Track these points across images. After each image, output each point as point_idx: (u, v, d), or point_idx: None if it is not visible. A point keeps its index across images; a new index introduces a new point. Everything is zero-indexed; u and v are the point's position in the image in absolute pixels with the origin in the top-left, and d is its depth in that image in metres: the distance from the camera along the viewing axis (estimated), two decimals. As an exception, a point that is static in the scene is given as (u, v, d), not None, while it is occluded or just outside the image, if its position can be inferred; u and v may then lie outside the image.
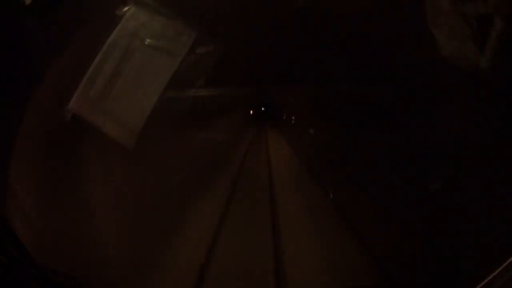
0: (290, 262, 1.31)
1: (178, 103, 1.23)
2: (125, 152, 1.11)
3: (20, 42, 1.02)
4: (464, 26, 0.98)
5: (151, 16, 1.12)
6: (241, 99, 1.54)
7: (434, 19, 1.02)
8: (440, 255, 1.03)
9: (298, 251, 1.37)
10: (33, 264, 0.82)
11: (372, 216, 1.39)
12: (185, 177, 1.45)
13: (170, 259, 1.23)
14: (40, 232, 0.98)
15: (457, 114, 1.07)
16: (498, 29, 0.92)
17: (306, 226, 1.50)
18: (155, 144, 1.28)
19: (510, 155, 0.90)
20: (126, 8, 1.11)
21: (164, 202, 1.32)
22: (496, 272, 0.68)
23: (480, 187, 0.96)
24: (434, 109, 1.15)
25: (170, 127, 1.34)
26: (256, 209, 1.57)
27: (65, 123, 1.08)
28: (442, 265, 1.00)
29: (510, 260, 0.67)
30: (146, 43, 1.11)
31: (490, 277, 0.68)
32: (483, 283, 0.68)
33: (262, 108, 1.73)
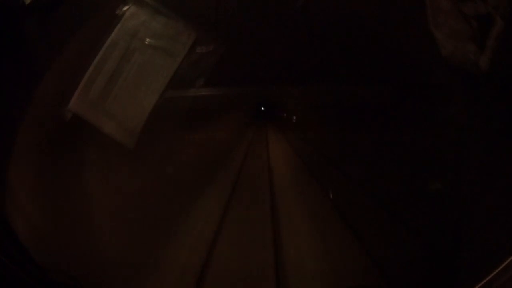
0: (290, 262, 1.31)
1: (178, 103, 1.23)
2: (125, 152, 1.11)
3: (20, 42, 1.02)
4: (464, 26, 0.98)
5: (151, 15, 1.12)
6: (241, 99, 1.54)
7: (434, 19, 1.02)
8: (440, 255, 1.03)
9: (298, 251, 1.37)
10: (33, 264, 0.82)
11: (372, 216, 1.39)
12: (184, 176, 1.45)
13: (170, 259, 1.23)
14: (40, 232, 0.98)
15: (457, 114, 1.07)
16: (498, 29, 0.92)
17: (306, 226, 1.50)
18: (155, 144, 1.28)
19: (510, 155, 0.90)
20: (126, 8, 1.11)
21: (164, 202, 1.32)
22: (496, 272, 0.68)
23: (480, 187, 0.96)
24: (434, 109, 1.15)
25: (170, 127, 1.34)
26: (256, 209, 1.57)
27: (65, 123, 1.08)
28: (442, 265, 1.00)
29: (510, 260, 0.67)
30: (146, 42, 1.11)
31: (490, 277, 0.68)
32: (483, 283, 0.68)
33: (262, 108, 1.73)
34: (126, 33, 1.10)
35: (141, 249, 1.17)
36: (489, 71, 0.95)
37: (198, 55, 1.16)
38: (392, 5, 1.19)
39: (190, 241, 1.33)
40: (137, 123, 1.10)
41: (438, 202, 1.10)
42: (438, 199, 1.10)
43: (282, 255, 1.34)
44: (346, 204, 1.55)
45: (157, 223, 1.26)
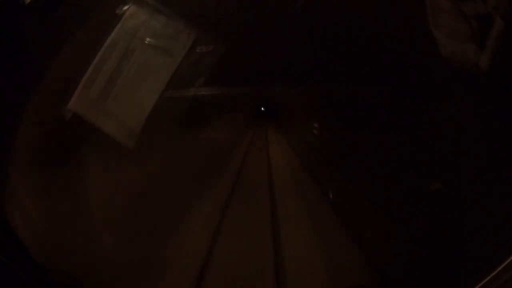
0: (289, 262, 1.31)
1: (178, 102, 1.23)
2: (125, 151, 1.11)
3: (20, 42, 1.02)
4: (464, 26, 0.98)
5: (151, 15, 1.12)
6: (241, 99, 1.54)
7: (434, 19, 1.02)
8: (440, 255, 1.03)
9: (298, 251, 1.37)
10: (33, 264, 0.82)
11: (372, 216, 1.39)
12: (184, 176, 1.45)
13: (170, 258, 1.23)
14: (40, 232, 0.98)
15: (456, 114, 1.07)
16: (498, 29, 0.92)
17: (305, 226, 1.50)
18: (155, 143, 1.28)
19: (510, 155, 0.90)
20: (126, 7, 1.11)
21: (163, 201, 1.32)
22: (496, 272, 0.68)
23: (480, 187, 0.96)
24: (434, 109, 1.15)
25: (170, 126, 1.34)
26: (256, 209, 1.57)
27: (65, 123, 1.08)
28: (442, 265, 1.00)
29: (510, 260, 0.67)
30: (146, 42, 1.11)
31: (490, 277, 0.68)
32: (483, 283, 0.68)
33: (262, 108, 1.73)
34: (126, 32, 1.10)
35: (141, 249, 1.17)
36: (489, 71, 0.95)
37: (198, 55, 1.16)
38: (392, 5, 1.19)
39: (190, 241, 1.33)
40: (137, 123, 1.10)
41: (438, 202, 1.10)
42: (438, 199, 1.10)
43: (281, 255, 1.34)
44: (346, 204, 1.55)
45: (157, 223, 1.26)
